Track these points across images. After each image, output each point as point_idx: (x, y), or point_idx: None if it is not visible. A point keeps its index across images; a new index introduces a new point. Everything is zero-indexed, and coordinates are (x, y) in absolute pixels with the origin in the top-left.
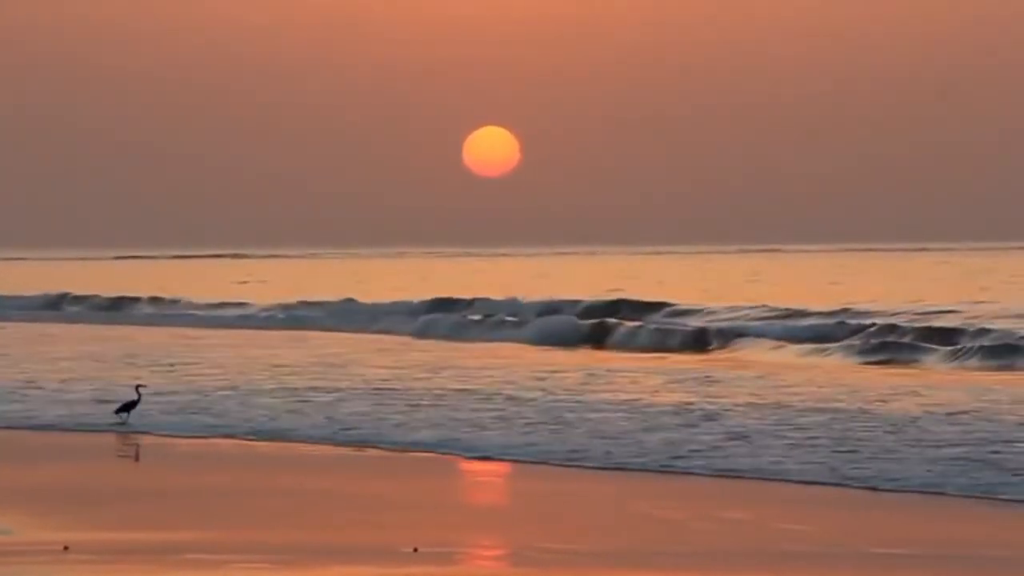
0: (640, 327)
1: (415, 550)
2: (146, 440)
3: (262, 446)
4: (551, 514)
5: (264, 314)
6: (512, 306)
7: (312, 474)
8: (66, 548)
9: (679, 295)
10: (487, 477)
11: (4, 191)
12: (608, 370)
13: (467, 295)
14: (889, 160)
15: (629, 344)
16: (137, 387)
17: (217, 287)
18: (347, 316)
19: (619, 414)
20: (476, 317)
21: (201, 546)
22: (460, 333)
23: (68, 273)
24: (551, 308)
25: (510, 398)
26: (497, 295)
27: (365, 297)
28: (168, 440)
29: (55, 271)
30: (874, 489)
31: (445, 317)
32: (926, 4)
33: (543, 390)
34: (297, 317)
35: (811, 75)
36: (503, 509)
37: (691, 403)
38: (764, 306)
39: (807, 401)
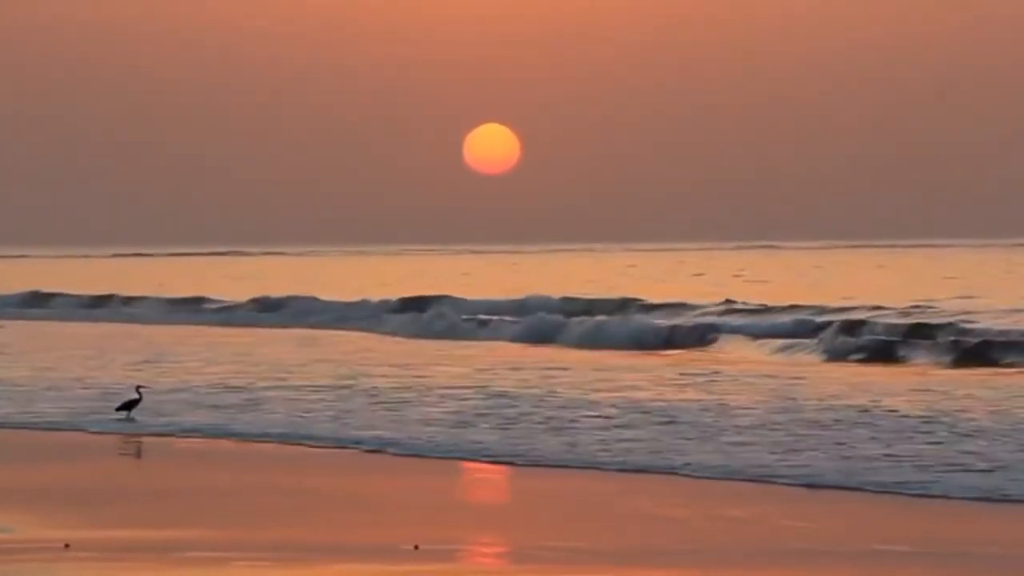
0: (619, 323)
1: (416, 548)
2: (146, 439)
3: (262, 445)
4: (552, 512)
5: (240, 311)
6: (481, 305)
7: (313, 473)
8: (67, 546)
9: (666, 293)
10: (487, 476)
11: (4, 190)
12: (577, 368)
13: (453, 293)
14: (890, 159)
15: (605, 343)
16: (138, 387)
17: (204, 285)
18: (317, 314)
19: (605, 413)
20: (465, 316)
21: (202, 544)
22: (443, 332)
23: (59, 271)
24: (520, 307)
25: (504, 397)
26: (478, 294)
27: (352, 295)
28: (168, 439)
29: (46, 269)
30: (861, 490)
31: (428, 316)
32: (926, 4)
33: (540, 390)
34: (264, 316)
35: (812, 75)
36: (504, 507)
37: (671, 402)
38: (736, 302)
39: (775, 400)
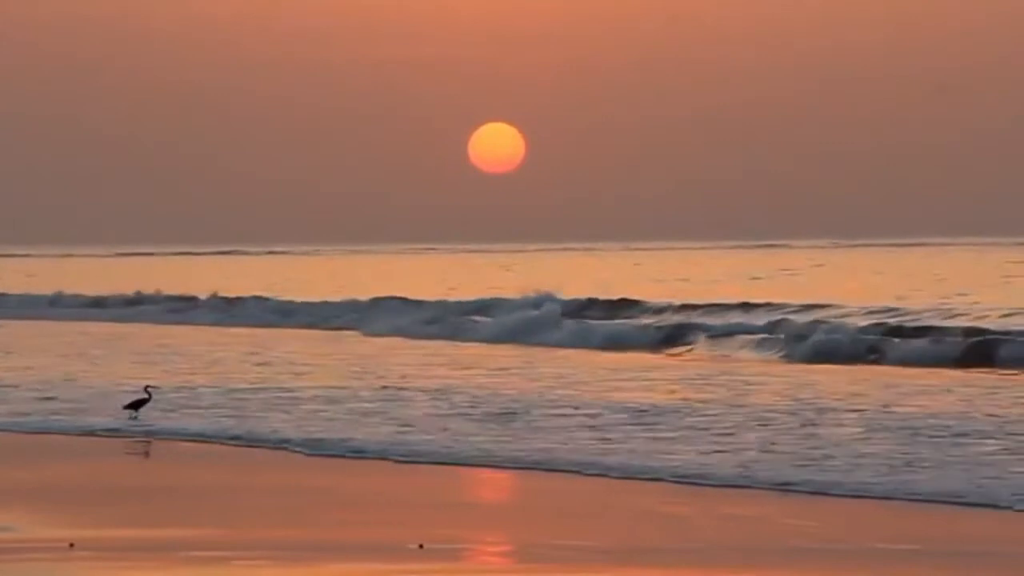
0: (596, 323)
1: (420, 546)
2: (151, 439)
3: (264, 445)
4: (556, 511)
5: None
6: (466, 305)
7: (316, 472)
8: (72, 545)
9: (657, 292)
10: (491, 475)
11: (7, 188)
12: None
13: (442, 291)
14: (894, 158)
15: (582, 343)
16: (147, 387)
17: (204, 284)
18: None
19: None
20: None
21: (206, 543)
22: (421, 332)
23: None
24: (503, 307)
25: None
26: (467, 294)
27: (347, 294)
28: (174, 439)
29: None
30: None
31: (408, 315)
32: (928, 2)
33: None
34: (228, 313)
35: (816, 74)
36: (508, 506)
37: (653, 402)
38: (718, 302)
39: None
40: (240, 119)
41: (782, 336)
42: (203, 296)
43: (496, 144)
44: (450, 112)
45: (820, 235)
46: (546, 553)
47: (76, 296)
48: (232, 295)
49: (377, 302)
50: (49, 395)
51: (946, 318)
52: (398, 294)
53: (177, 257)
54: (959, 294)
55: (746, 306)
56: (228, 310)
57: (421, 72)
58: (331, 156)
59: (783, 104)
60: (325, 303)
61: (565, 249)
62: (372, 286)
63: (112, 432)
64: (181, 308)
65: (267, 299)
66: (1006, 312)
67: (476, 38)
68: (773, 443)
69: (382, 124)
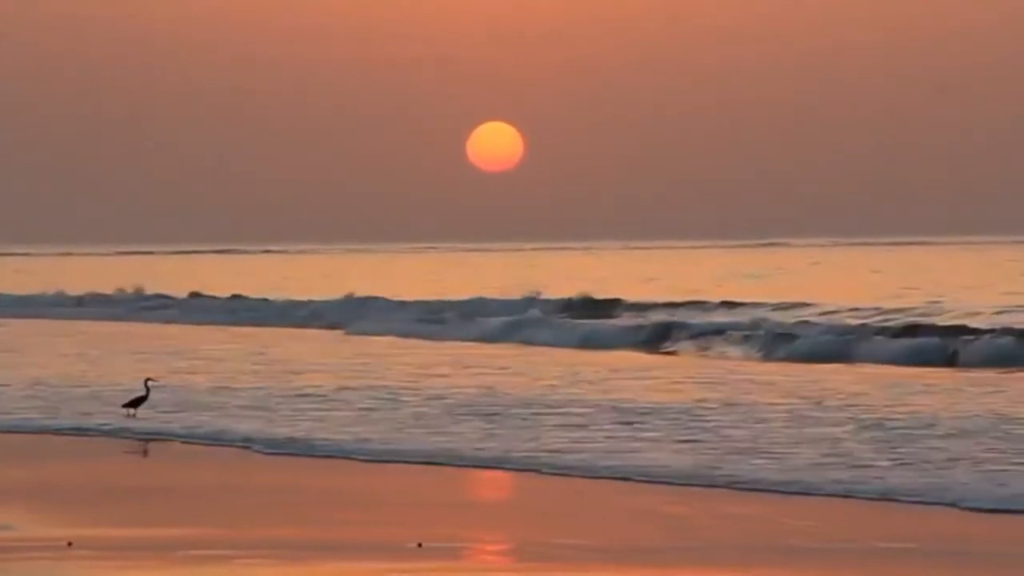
0: (577, 323)
1: (419, 545)
2: (150, 438)
3: (264, 446)
4: (556, 510)
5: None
6: (448, 305)
7: (315, 471)
8: (70, 544)
9: (648, 292)
10: (490, 475)
11: (9, 187)
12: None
13: (429, 291)
14: (896, 156)
15: (563, 343)
16: (146, 382)
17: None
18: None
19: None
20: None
21: (205, 542)
22: (408, 332)
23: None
24: (484, 307)
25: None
26: (450, 293)
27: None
28: (173, 438)
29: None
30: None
31: (395, 315)
32: (925, 3)
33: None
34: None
35: (817, 72)
36: (507, 505)
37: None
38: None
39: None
40: (240, 119)
41: (762, 334)
42: (182, 295)
43: (495, 143)
44: (449, 111)
45: (820, 234)
46: (544, 552)
47: (60, 294)
48: (221, 294)
49: (365, 301)
50: (30, 394)
51: (934, 317)
52: (392, 293)
53: (175, 256)
54: (954, 293)
55: (729, 304)
56: (213, 309)
57: (420, 72)
58: (330, 155)
59: (783, 104)
60: (311, 302)
61: (564, 248)
62: (366, 286)
63: (78, 431)
64: (162, 306)
65: (246, 297)
66: (998, 310)
67: (476, 38)
68: (756, 442)
69: (381, 123)
